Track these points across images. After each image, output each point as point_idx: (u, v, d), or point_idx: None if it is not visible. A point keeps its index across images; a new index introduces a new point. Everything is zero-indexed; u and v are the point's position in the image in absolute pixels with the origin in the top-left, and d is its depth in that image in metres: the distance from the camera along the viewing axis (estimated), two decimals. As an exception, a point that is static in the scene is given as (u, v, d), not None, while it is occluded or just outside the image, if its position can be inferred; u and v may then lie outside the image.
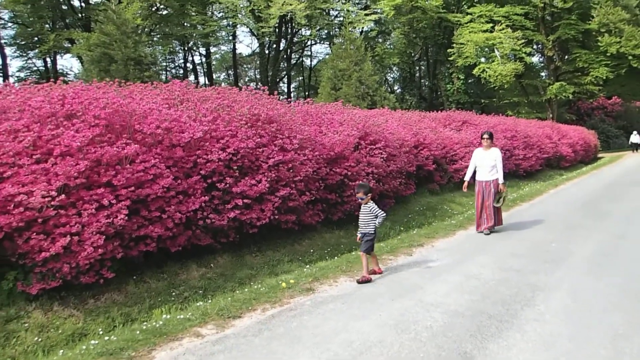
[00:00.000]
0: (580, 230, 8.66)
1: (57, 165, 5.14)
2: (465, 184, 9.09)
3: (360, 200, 6.26)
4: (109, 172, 5.54)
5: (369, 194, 6.27)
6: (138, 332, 4.47)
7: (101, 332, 4.87)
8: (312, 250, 7.99)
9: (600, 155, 33.04)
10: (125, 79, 17.79)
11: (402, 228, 9.88)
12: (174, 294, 5.92)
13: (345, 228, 9.23)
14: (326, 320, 4.71)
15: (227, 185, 6.74)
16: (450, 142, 14.22)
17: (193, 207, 6.29)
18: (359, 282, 5.93)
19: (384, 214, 6.24)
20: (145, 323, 4.90)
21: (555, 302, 5.12)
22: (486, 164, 8.75)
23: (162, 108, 6.76)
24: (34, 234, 4.87)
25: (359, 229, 6.24)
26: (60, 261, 5.01)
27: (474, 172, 9.05)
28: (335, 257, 7.46)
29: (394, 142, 10.63)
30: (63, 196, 4.98)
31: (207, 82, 44.55)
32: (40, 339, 4.66)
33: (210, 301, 5.47)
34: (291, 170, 7.59)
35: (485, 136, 8.92)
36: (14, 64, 63.24)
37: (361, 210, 6.26)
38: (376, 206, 6.22)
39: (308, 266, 6.99)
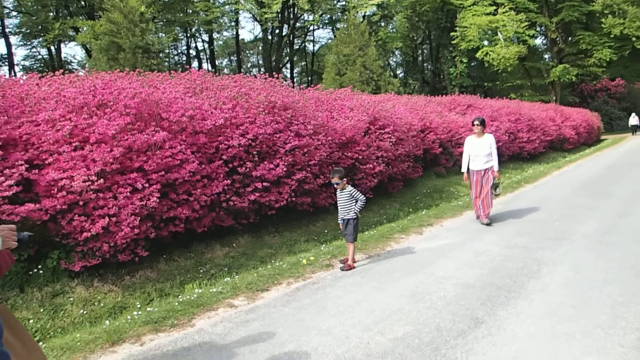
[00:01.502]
0: (583, 210, 9.01)
1: (93, 152, 5.52)
2: (465, 175, 8.59)
3: (335, 185, 6.13)
4: (141, 157, 5.91)
5: (344, 179, 6.11)
6: (176, 303, 4.90)
7: (139, 306, 5.28)
8: (326, 231, 8.38)
9: (603, 137, 33.27)
10: (133, 67, 18.14)
11: (410, 209, 10.26)
12: (201, 271, 6.32)
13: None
14: (347, 293, 5.12)
15: (247, 169, 7.12)
16: (456, 125, 14.55)
17: (217, 190, 6.67)
18: (344, 269, 5.91)
19: (365, 198, 6.10)
20: (180, 296, 5.32)
21: (559, 275, 5.50)
22: (481, 153, 8.26)
23: (185, 97, 7.12)
24: (76, 215, 5.27)
25: (339, 215, 6.17)
26: (100, 241, 5.41)
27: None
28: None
29: (402, 126, 10.97)
30: (101, 180, 5.36)
31: (210, 69, 44.81)
32: (85, 312, 5.08)
33: (237, 277, 5.88)
34: (306, 155, 7.96)
35: (476, 122, 8.41)
36: (19, 53, 63.36)
37: (338, 196, 6.18)
38: (355, 190, 6.09)
39: (324, 245, 7.39)
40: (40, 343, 4.32)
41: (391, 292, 5.10)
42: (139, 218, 5.61)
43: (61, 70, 7.55)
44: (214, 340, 4.05)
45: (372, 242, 7.16)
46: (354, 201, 6.01)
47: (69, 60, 42.54)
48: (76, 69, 42.01)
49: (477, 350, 3.76)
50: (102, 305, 5.25)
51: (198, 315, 4.64)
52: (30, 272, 5.29)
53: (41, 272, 5.32)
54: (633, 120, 34.80)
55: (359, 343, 3.91)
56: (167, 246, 6.51)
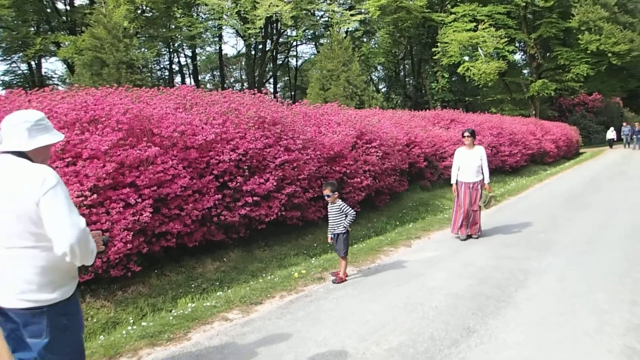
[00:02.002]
0: (565, 222, 9.22)
1: (86, 168, 5.55)
2: (454, 187, 8.29)
3: (326, 197, 6.13)
4: (133, 173, 5.96)
5: (336, 193, 6.15)
6: (171, 318, 4.93)
7: (132, 321, 5.29)
8: (315, 245, 8.45)
9: (582, 150, 33.87)
10: (117, 82, 18.13)
11: (397, 222, 10.38)
12: (193, 285, 6.35)
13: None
14: (341, 304, 5.19)
15: (238, 184, 7.18)
16: (440, 139, 14.76)
17: (208, 205, 6.73)
18: (336, 282, 5.96)
19: (354, 213, 6.09)
20: (173, 311, 5.34)
21: (545, 284, 5.64)
22: (472, 165, 8.05)
23: (176, 112, 7.18)
24: (69, 231, 5.27)
25: (329, 229, 6.18)
26: (93, 256, 5.41)
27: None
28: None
29: (388, 140, 11.12)
30: (94, 196, 5.39)
31: (193, 83, 44.80)
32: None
33: (229, 291, 5.92)
34: (295, 169, 8.05)
35: (467, 134, 8.20)
36: (-2, 68, 62.78)
37: (329, 209, 6.19)
38: (345, 204, 6.11)
39: (314, 259, 7.46)
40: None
41: (384, 303, 5.18)
42: (132, 233, 5.64)
43: (48, 88, 7.57)
44: (211, 354, 4.10)
45: (362, 255, 7.25)
46: (344, 215, 6.02)
47: (49, 76, 42.26)
48: (57, 84, 41.79)
49: (470, 358, 3.86)
50: (95, 320, 5.25)
51: (193, 329, 4.67)
52: None
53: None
54: (610, 134, 35.48)
55: (355, 353, 3.99)
56: (158, 261, 6.52)
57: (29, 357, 2.52)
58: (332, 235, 6.14)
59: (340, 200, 6.18)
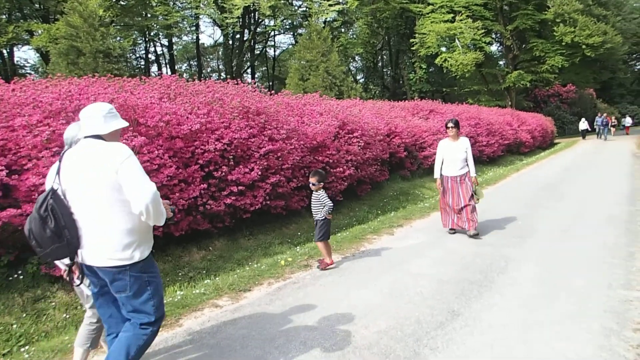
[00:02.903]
0: (542, 210, 9.46)
1: (73, 157, 5.54)
2: (438, 182, 7.85)
3: (312, 185, 6.17)
4: (119, 162, 5.96)
5: (322, 183, 6.18)
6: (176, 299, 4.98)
7: (121, 309, 5.32)
8: (299, 233, 8.55)
9: (557, 140, 34.53)
10: (94, 71, 17.91)
11: (379, 212, 10.53)
12: (180, 274, 6.40)
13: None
14: (328, 291, 5.30)
15: (223, 173, 7.23)
16: (419, 130, 14.94)
17: (193, 194, 6.76)
18: (320, 268, 6.10)
19: (332, 205, 6.15)
20: (180, 291, 5.41)
21: (526, 270, 5.83)
22: (456, 157, 7.65)
23: (160, 102, 7.18)
24: (57, 220, 5.28)
25: (313, 215, 6.29)
26: (81, 245, 5.43)
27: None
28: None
29: (369, 130, 11.24)
30: (82, 185, 5.39)
31: (170, 73, 44.35)
32: (68, 316, 5.11)
33: (217, 279, 5.99)
34: (280, 159, 8.12)
35: (450, 125, 7.72)
36: (-32, 56, 61.23)
37: (312, 196, 6.29)
38: (325, 196, 6.18)
39: (298, 247, 7.55)
40: (27, 347, 4.36)
41: (370, 289, 5.31)
42: (120, 222, 5.66)
43: (28, 77, 7.47)
44: (204, 339, 4.17)
45: (346, 243, 7.37)
46: (322, 205, 6.12)
47: (21, 65, 41.48)
48: (30, 74, 41.04)
49: (456, 339, 4.00)
50: (84, 309, 5.27)
51: (184, 315, 4.74)
52: (10, 278, 5.28)
53: (21, 277, 5.31)
54: (583, 125, 35.99)
55: (345, 336, 4.10)
56: (145, 250, 6.55)
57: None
58: (315, 221, 6.28)
59: (322, 190, 6.23)
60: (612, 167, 17.01)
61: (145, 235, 3.07)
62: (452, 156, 7.68)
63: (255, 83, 8.93)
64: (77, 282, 3.16)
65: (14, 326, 4.76)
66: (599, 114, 36.99)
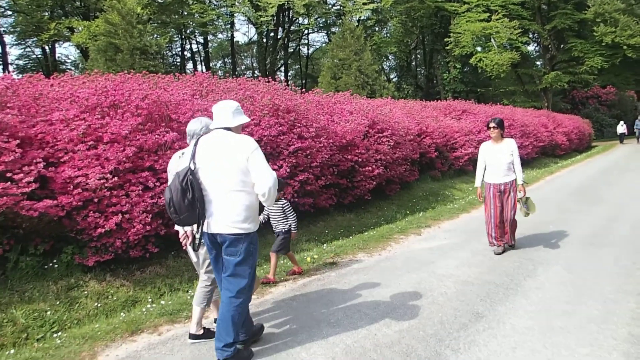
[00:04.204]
0: (575, 214, 9.29)
1: (107, 151, 5.70)
2: (479, 191, 6.97)
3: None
4: (151, 157, 6.11)
5: (282, 191, 5.73)
6: (189, 297, 5.11)
7: (150, 300, 5.46)
8: (326, 231, 8.60)
9: (594, 144, 33.72)
10: (131, 68, 18.24)
11: (407, 212, 10.51)
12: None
13: (355, 211, 9.88)
14: (353, 288, 5.34)
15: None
16: (451, 130, 14.83)
17: (223, 190, 6.87)
18: (262, 282, 5.54)
19: (295, 217, 5.81)
20: (189, 291, 5.52)
21: (553, 274, 5.75)
22: (501, 162, 6.64)
23: (192, 99, 7.32)
24: (91, 212, 5.45)
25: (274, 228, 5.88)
26: (113, 237, 5.60)
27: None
28: (350, 237, 8.07)
29: (400, 130, 11.22)
30: (116, 178, 5.55)
31: (204, 71, 44.89)
32: (99, 304, 5.26)
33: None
34: (308, 157, 8.19)
35: (493, 125, 6.73)
36: (12, 52, 63.14)
37: (269, 207, 5.76)
38: (290, 206, 5.83)
39: (325, 245, 7.60)
40: (59, 333, 4.52)
41: (394, 288, 5.32)
42: (151, 215, 5.81)
43: (67, 73, 7.68)
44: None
45: (372, 242, 7.38)
46: (285, 217, 5.76)
47: (62, 60, 42.61)
48: (70, 69, 42.12)
49: (478, 341, 3.99)
50: (115, 298, 5.44)
51: (208, 309, 4.83)
52: (46, 266, 5.47)
53: (56, 266, 5.50)
54: (620, 128, 34.98)
55: (367, 334, 4.13)
56: (174, 243, 6.66)
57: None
58: (276, 233, 5.88)
59: (285, 200, 5.87)
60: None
61: (256, 213, 3.69)
62: (495, 161, 6.67)
63: (287, 81, 8.96)
64: (190, 247, 3.95)
65: (48, 313, 4.94)
66: (639, 117, 35.88)
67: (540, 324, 4.30)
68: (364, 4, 35.33)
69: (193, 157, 3.62)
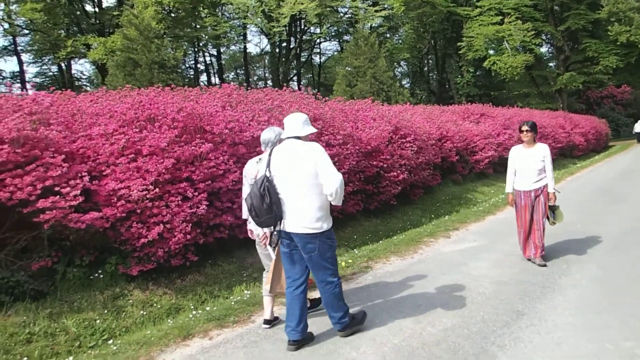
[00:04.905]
0: (601, 214, 9.32)
1: (147, 163, 5.88)
2: (510, 197, 6.61)
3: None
4: (189, 168, 6.29)
5: None
6: (233, 303, 5.27)
7: (192, 307, 5.62)
8: (355, 237, 8.72)
9: (611, 143, 33.47)
10: (150, 82, 18.55)
11: (432, 215, 10.60)
12: (244, 275, 6.67)
13: (381, 217, 9.98)
14: (391, 291, 5.45)
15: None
16: (470, 134, 14.89)
17: (256, 198, 7.03)
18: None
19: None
20: (231, 297, 5.68)
21: (587, 272, 5.82)
22: (532, 167, 6.33)
23: (223, 110, 7.50)
24: (134, 223, 5.63)
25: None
26: (155, 246, 5.77)
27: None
28: (380, 242, 8.18)
29: (422, 135, 11.33)
30: (157, 189, 5.73)
31: (218, 82, 45.31)
32: (144, 312, 5.43)
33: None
34: (337, 164, 8.31)
35: (526, 128, 6.39)
36: (29, 70, 64.12)
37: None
38: None
39: (356, 250, 7.71)
40: (112, 340, 4.68)
41: (431, 289, 5.43)
42: (190, 225, 5.97)
43: (77, 90, 7.82)
44: (276, 334, 4.40)
45: (403, 246, 7.48)
46: None
47: (78, 77, 43.29)
48: (86, 85, 42.79)
49: (523, 337, 4.09)
50: (159, 306, 5.60)
51: (255, 312, 4.99)
52: (91, 277, 5.65)
53: (101, 276, 5.68)
54: (638, 127, 34.50)
55: (413, 333, 4.25)
56: (212, 252, 6.85)
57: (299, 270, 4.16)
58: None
59: None
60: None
61: (328, 212, 4.08)
62: (527, 166, 6.36)
63: (309, 91, 9.13)
64: (270, 247, 4.40)
65: (98, 321, 5.11)
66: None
67: (581, 320, 4.39)
68: (376, 11, 35.57)
69: (268, 165, 4.05)
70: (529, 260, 6.39)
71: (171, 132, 6.29)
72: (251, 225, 4.68)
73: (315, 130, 4.36)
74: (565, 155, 22.95)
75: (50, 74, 41.38)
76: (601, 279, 5.53)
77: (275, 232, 4.11)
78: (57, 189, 5.20)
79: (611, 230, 7.87)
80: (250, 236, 4.78)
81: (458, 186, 13.79)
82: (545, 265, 6.17)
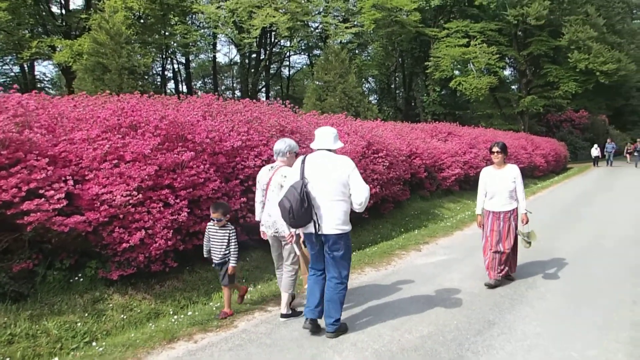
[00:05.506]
0: (562, 231, 9.76)
1: (130, 169, 5.95)
2: (479, 219, 6.52)
3: (216, 222, 5.18)
4: (170, 175, 6.38)
5: (228, 215, 5.28)
6: (214, 308, 5.38)
7: (171, 312, 5.70)
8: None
9: (569, 165, 34.67)
10: (119, 88, 18.41)
11: (402, 229, 10.89)
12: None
13: (353, 229, 10.13)
14: (367, 300, 5.64)
15: (261, 188, 7.61)
16: (438, 151, 15.32)
17: (235, 207, 7.15)
18: (219, 318, 5.10)
19: (237, 249, 5.25)
20: (211, 304, 5.78)
21: (552, 285, 6.15)
22: (502, 188, 6.22)
23: (203, 120, 7.61)
24: (116, 228, 5.68)
25: (212, 256, 5.32)
26: (136, 252, 5.84)
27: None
28: (353, 253, 8.36)
29: (393, 151, 11.64)
30: (140, 195, 5.80)
31: (186, 91, 45.08)
32: (125, 316, 5.48)
33: (259, 286, 6.38)
34: (312, 176, 8.50)
35: (496, 149, 6.33)
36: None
37: (213, 234, 5.27)
38: (234, 232, 5.30)
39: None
40: (94, 343, 4.72)
41: (406, 299, 5.65)
42: (171, 231, 6.05)
43: (39, 92, 7.47)
44: (261, 338, 4.53)
45: (376, 257, 7.70)
46: (228, 244, 5.23)
47: (40, 79, 42.43)
48: (48, 88, 41.94)
49: (495, 345, 4.33)
50: (139, 311, 5.66)
51: (238, 318, 5.10)
52: (71, 280, 5.67)
53: (81, 280, 5.71)
54: (595, 151, 35.66)
55: (392, 340, 4.45)
56: (190, 259, 6.92)
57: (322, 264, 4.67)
58: (216, 266, 5.35)
59: (230, 226, 5.33)
60: (627, 191, 17.27)
61: (349, 217, 4.56)
62: (496, 187, 6.27)
63: (287, 105, 9.30)
64: (296, 245, 4.93)
65: (78, 324, 5.14)
66: (609, 140, 36.72)
67: (548, 330, 4.67)
68: (346, 27, 36.09)
69: (302, 173, 4.48)
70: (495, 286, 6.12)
71: (154, 139, 6.37)
72: (263, 228, 5.27)
73: (342, 146, 4.88)
74: (527, 175, 23.69)
75: (12, 74, 40.45)
76: (565, 292, 5.85)
77: (301, 233, 4.66)
78: (41, 191, 5.23)
79: (573, 247, 8.26)
80: (262, 237, 5.37)
81: (426, 202, 14.15)
82: (493, 287, 6.09)
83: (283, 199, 4.38)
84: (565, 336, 4.51)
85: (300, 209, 4.30)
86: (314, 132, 4.81)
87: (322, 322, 4.62)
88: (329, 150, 4.60)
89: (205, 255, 5.36)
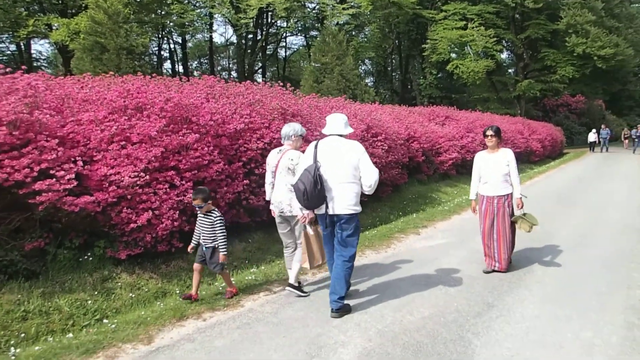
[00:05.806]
0: (560, 217, 9.92)
1: (137, 151, 6.04)
2: (473, 204, 6.60)
3: (198, 209, 5.19)
4: (175, 157, 6.47)
5: (209, 201, 5.22)
6: (221, 288, 5.50)
7: (178, 291, 5.82)
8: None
9: (565, 151, 34.84)
10: (117, 68, 18.38)
11: (400, 213, 11.02)
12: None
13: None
14: (369, 282, 5.81)
15: (263, 171, 7.71)
16: (436, 135, 15.42)
17: (238, 189, 7.27)
18: (182, 298, 5.21)
19: (225, 237, 5.19)
20: (216, 284, 5.91)
21: (549, 270, 6.31)
22: (496, 172, 6.21)
23: (206, 102, 7.67)
24: (124, 208, 5.79)
25: (201, 240, 5.27)
26: (143, 232, 5.95)
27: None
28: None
29: (392, 135, 11.73)
30: (147, 176, 5.89)
31: (182, 71, 44.87)
32: (133, 295, 5.61)
33: (263, 267, 6.52)
34: (314, 159, 8.60)
35: (490, 133, 6.37)
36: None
37: (200, 220, 5.27)
38: (221, 221, 5.22)
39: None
40: (106, 320, 4.85)
41: (408, 281, 5.81)
42: (177, 212, 6.16)
43: (35, 70, 7.77)
44: (267, 317, 4.68)
45: (376, 240, 7.85)
46: (214, 231, 5.16)
47: (37, 57, 42.10)
48: (45, 66, 41.67)
49: (494, 327, 4.49)
50: (146, 290, 5.78)
51: (244, 298, 5.25)
52: (80, 259, 5.78)
53: (90, 259, 5.81)
54: (592, 136, 35.64)
55: (394, 320, 4.60)
56: (193, 239, 7.04)
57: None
58: (205, 249, 5.23)
59: (217, 211, 5.29)
60: (624, 178, 17.48)
61: (359, 199, 4.80)
62: (490, 171, 6.26)
63: (288, 87, 9.36)
64: (309, 225, 5.02)
65: (89, 302, 5.27)
66: (603, 126, 36.68)
67: (545, 313, 4.83)
68: (344, 8, 35.89)
69: (315, 157, 4.72)
70: (492, 271, 6.19)
71: (160, 121, 6.44)
72: (272, 207, 5.45)
73: (352, 131, 5.13)
74: (523, 160, 23.82)
75: (9, 52, 40.13)
76: (561, 276, 6.02)
77: (315, 214, 4.86)
78: (51, 172, 5.32)
79: (569, 233, 8.44)
80: (272, 215, 5.55)
81: (423, 185, 14.29)
82: (489, 272, 6.16)
83: (297, 182, 4.62)
84: (561, 319, 4.68)
85: (314, 190, 4.52)
86: (325, 118, 5.06)
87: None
88: (340, 135, 4.86)
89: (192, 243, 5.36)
